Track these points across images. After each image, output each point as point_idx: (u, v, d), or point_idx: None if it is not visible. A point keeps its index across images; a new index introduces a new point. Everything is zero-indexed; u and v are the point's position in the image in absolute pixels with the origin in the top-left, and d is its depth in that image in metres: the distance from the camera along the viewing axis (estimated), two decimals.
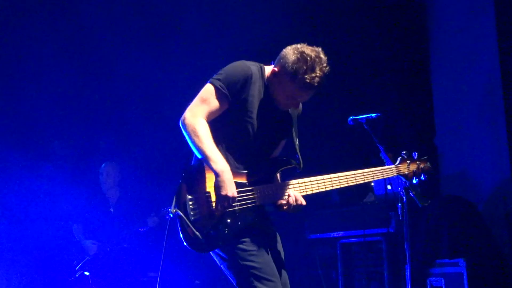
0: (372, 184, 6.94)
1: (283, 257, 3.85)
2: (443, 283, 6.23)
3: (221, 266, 3.75)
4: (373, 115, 4.59)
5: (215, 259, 3.77)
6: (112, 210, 7.50)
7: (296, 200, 3.69)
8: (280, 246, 3.86)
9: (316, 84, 3.59)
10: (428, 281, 6.37)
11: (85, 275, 7.10)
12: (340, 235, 7.12)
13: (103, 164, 7.60)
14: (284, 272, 3.81)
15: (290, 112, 3.87)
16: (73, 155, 8.01)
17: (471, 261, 6.09)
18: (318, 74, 3.57)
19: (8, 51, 7.69)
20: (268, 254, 3.70)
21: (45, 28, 7.72)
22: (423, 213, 6.49)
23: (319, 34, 7.41)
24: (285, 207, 3.72)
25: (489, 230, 6.66)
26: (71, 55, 7.83)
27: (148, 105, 8.06)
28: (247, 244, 3.62)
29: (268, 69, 3.77)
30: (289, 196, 3.69)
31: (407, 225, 4.53)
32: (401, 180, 4.28)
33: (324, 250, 7.41)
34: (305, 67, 3.57)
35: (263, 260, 3.63)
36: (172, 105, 7.85)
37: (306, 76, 3.57)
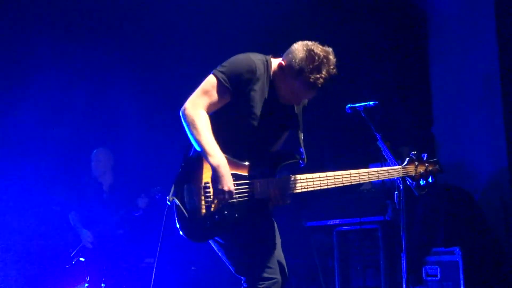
0: None
1: (280, 246, 3.85)
2: (438, 271, 6.26)
3: (219, 253, 3.76)
4: (371, 103, 4.59)
5: (213, 246, 3.77)
6: (105, 195, 7.52)
7: (278, 197, 3.66)
8: (277, 235, 3.85)
9: (319, 85, 3.55)
10: (423, 269, 6.39)
11: (81, 261, 7.12)
12: (336, 222, 7.13)
13: (95, 150, 7.61)
14: (282, 260, 3.81)
15: (295, 108, 3.83)
16: (65, 143, 8.00)
17: (467, 250, 6.11)
18: (323, 75, 3.53)
19: None
20: (266, 242, 3.71)
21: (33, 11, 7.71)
22: (419, 202, 6.50)
23: (317, 23, 7.39)
24: (270, 206, 3.71)
25: (485, 219, 6.68)
26: (61, 43, 7.80)
27: (140, 91, 8.07)
28: (245, 233, 3.63)
29: (275, 62, 3.73)
30: (269, 194, 3.65)
31: (403, 213, 4.53)
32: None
33: (321, 237, 7.43)
34: (311, 66, 3.52)
35: (262, 247, 3.66)
36: (165, 91, 7.90)
37: (311, 76, 3.52)
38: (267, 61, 3.72)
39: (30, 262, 7.47)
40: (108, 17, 7.94)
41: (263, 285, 3.61)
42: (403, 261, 4.86)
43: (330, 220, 7.19)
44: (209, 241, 3.75)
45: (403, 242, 4.67)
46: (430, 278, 6.34)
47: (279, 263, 3.77)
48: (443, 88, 7.84)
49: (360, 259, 6.99)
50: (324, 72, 3.53)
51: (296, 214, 7.62)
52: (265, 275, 3.62)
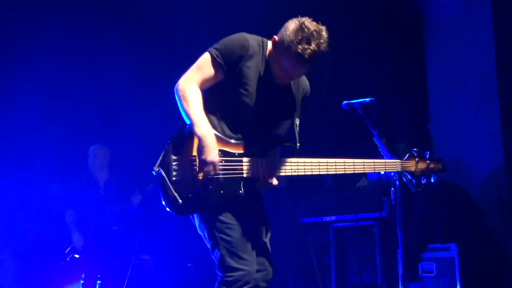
0: None
1: (266, 238, 3.81)
2: (434, 267, 6.26)
3: (200, 231, 3.73)
4: (367, 99, 4.58)
5: (195, 223, 3.73)
6: (101, 191, 7.51)
7: (263, 179, 3.64)
8: (265, 226, 3.81)
9: (306, 57, 3.49)
10: (420, 266, 6.40)
11: (76, 258, 7.11)
12: (332, 219, 7.13)
13: (91, 147, 7.61)
14: (265, 253, 3.76)
15: (293, 92, 3.82)
16: (61, 139, 7.99)
17: (463, 247, 6.12)
18: (312, 48, 3.48)
19: None
20: (248, 231, 3.66)
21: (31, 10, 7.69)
22: (416, 199, 6.51)
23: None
24: (257, 186, 3.69)
25: (482, 216, 6.69)
26: (58, 39, 7.78)
27: (136, 88, 8.06)
28: (227, 216, 3.61)
29: (270, 44, 3.74)
30: (258, 174, 3.64)
31: (399, 210, 4.53)
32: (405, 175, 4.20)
33: (317, 234, 7.43)
34: (300, 37, 3.49)
35: (239, 236, 3.61)
36: (161, 86, 7.88)
37: (298, 46, 3.49)
38: (262, 41, 3.74)
39: (26, 259, 7.46)
40: (108, 13, 7.93)
41: (231, 277, 3.56)
42: (399, 258, 4.86)
43: (326, 216, 7.18)
44: (192, 218, 3.73)
45: (399, 238, 4.67)
46: (426, 275, 6.34)
47: (262, 256, 3.72)
48: (440, 84, 7.84)
49: (357, 256, 6.99)
50: (313, 45, 3.48)
51: (292, 211, 7.62)
52: (236, 265, 3.57)
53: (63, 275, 7.11)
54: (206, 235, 3.66)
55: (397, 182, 4.43)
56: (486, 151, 7.02)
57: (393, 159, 4.23)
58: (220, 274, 3.63)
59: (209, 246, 3.68)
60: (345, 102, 4.62)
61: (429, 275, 6.30)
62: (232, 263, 3.57)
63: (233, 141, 3.65)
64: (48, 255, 7.33)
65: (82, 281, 6.96)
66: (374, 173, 6.69)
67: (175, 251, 7.84)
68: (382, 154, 4.39)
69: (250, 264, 3.61)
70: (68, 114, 7.98)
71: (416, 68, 8.10)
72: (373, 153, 4.43)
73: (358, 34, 7.88)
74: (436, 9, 7.96)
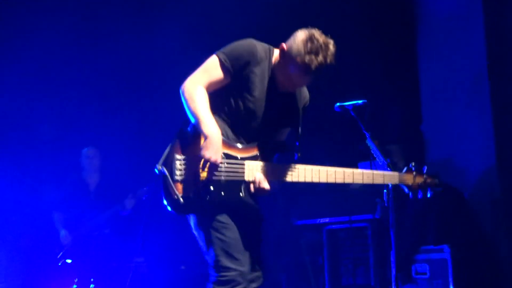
0: None
1: (258, 241, 3.84)
2: (428, 269, 6.27)
3: (194, 232, 3.74)
4: (360, 101, 4.60)
5: (191, 224, 3.75)
6: (91, 195, 7.50)
7: (258, 183, 3.66)
8: (259, 230, 3.85)
9: (313, 68, 3.58)
10: (413, 267, 6.40)
11: (67, 263, 7.10)
12: (326, 221, 7.13)
13: (85, 149, 7.60)
14: (258, 254, 3.78)
15: (296, 100, 3.90)
16: (51, 142, 7.97)
17: (456, 248, 6.13)
18: (319, 59, 3.57)
19: None
20: (243, 233, 3.68)
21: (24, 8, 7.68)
22: (408, 200, 6.50)
23: (306, 21, 7.38)
24: (251, 189, 3.70)
25: (475, 217, 6.70)
26: (48, 40, 7.76)
27: (128, 90, 8.05)
28: (224, 217, 3.63)
29: (276, 52, 3.79)
30: (254, 178, 3.66)
31: (392, 211, 4.55)
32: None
33: (310, 236, 7.43)
34: (309, 48, 3.57)
35: (234, 237, 3.63)
36: (153, 90, 7.88)
37: (306, 56, 3.57)
38: (269, 49, 3.80)
39: (18, 264, 7.43)
40: (98, 16, 7.92)
41: (225, 277, 3.58)
42: (393, 259, 4.87)
43: (319, 218, 7.19)
44: (188, 218, 3.74)
45: (392, 240, 4.68)
46: (419, 276, 6.35)
47: (254, 258, 3.74)
48: (432, 86, 7.85)
49: (350, 257, 7.00)
50: (320, 57, 3.57)
51: (286, 213, 7.62)
52: (230, 265, 3.59)
53: (56, 280, 7.09)
54: (202, 235, 3.68)
55: (389, 184, 4.43)
56: (479, 152, 7.03)
57: (386, 161, 4.24)
58: (213, 273, 3.64)
59: (203, 246, 3.69)
60: (338, 104, 4.64)
61: (422, 276, 6.31)
62: (227, 263, 3.59)
63: (236, 144, 3.68)
64: (41, 260, 7.31)
65: (75, 286, 6.94)
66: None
67: (168, 254, 7.83)
68: (375, 156, 4.41)
69: (243, 264, 3.63)
70: (59, 116, 7.96)
71: (408, 69, 8.11)
72: (366, 154, 4.44)
73: (351, 37, 7.87)
74: (428, 11, 7.97)
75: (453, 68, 7.48)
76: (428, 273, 6.26)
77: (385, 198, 4.52)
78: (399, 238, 5.71)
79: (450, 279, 6.02)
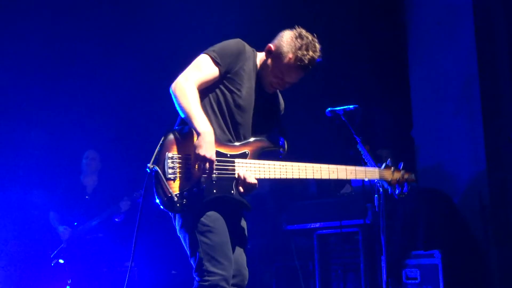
0: None
1: (243, 245, 3.85)
2: (418, 274, 6.28)
3: (179, 234, 3.72)
4: (351, 106, 4.61)
5: (176, 225, 3.73)
6: (88, 198, 7.50)
7: (244, 180, 3.64)
8: (244, 234, 3.86)
9: (306, 62, 3.70)
10: (403, 272, 6.41)
11: (60, 263, 7.09)
12: (316, 226, 7.13)
13: (87, 151, 7.63)
14: (242, 257, 3.80)
15: (279, 102, 4.01)
16: (50, 144, 7.96)
17: (446, 253, 6.14)
18: (310, 54, 3.71)
19: None
20: (230, 234, 3.67)
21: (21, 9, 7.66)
22: (399, 205, 6.52)
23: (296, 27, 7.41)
24: (239, 187, 3.68)
25: (465, 223, 6.72)
26: (49, 42, 7.76)
27: (124, 93, 8.04)
28: (210, 220, 3.61)
29: (260, 55, 3.88)
30: (238, 174, 3.65)
31: (383, 216, 4.55)
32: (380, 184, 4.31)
33: (301, 241, 7.43)
34: (300, 43, 3.71)
35: (219, 240, 3.61)
36: (150, 92, 7.87)
37: (298, 52, 3.70)
38: (253, 51, 3.88)
39: (10, 266, 7.40)
40: (95, 19, 7.91)
41: (207, 281, 3.56)
42: (383, 264, 4.88)
43: (310, 223, 7.19)
44: (174, 219, 3.73)
45: (383, 245, 4.68)
46: (410, 281, 6.36)
47: (238, 262, 3.74)
48: (423, 91, 7.87)
49: (341, 263, 6.99)
50: (310, 52, 3.72)
51: (276, 218, 7.62)
52: (213, 269, 3.57)
53: (49, 281, 7.08)
54: (187, 237, 3.66)
55: (380, 189, 4.45)
56: (469, 158, 7.06)
57: (377, 166, 4.26)
58: (196, 278, 3.63)
59: (188, 249, 3.68)
60: (329, 109, 4.64)
61: (413, 281, 6.33)
62: (210, 267, 3.57)
63: (225, 142, 3.69)
64: (34, 261, 7.30)
65: (68, 287, 6.93)
66: (358, 180, 6.72)
67: (159, 258, 7.81)
68: (366, 161, 4.41)
69: (227, 268, 3.61)
70: (55, 120, 7.95)
71: (399, 75, 8.13)
72: (356, 159, 4.45)
73: (341, 41, 7.90)
74: (418, 17, 8.00)
75: (444, 73, 7.52)
76: (418, 278, 6.27)
77: (376, 203, 4.53)
78: (390, 243, 5.74)
79: (441, 284, 6.04)
